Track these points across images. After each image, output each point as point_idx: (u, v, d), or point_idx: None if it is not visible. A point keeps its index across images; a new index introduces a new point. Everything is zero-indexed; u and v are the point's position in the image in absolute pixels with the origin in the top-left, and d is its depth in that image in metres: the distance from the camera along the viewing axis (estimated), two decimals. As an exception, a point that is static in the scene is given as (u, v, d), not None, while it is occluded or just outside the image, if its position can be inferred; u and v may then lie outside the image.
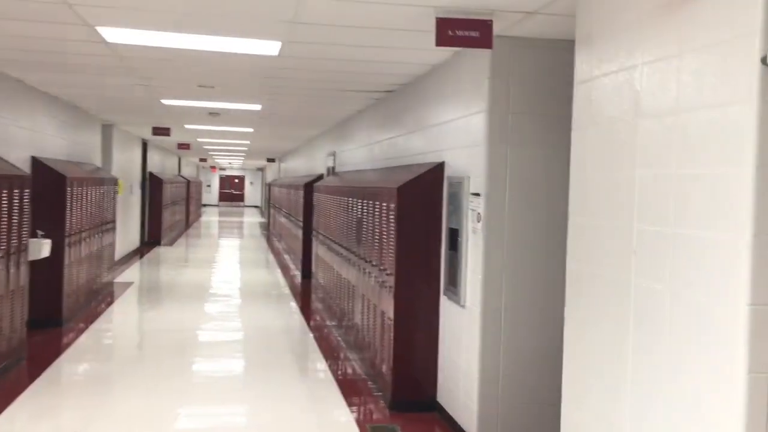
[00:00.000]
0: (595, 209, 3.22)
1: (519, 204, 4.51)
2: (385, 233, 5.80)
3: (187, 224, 25.91)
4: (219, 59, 5.61)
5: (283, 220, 17.65)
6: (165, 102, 8.77)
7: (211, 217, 33.88)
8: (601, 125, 3.20)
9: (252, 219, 33.51)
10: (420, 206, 5.39)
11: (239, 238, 23.98)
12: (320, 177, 12.56)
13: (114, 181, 11.37)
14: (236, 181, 46.15)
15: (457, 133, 5.12)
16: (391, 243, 5.54)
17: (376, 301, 6.12)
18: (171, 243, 19.15)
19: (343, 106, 8.69)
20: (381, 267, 5.92)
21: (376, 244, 6.14)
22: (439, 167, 5.39)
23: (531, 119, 4.52)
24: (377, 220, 6.11)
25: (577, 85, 3.46)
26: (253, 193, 45.66)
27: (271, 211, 23.10)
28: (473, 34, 3.90)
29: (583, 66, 3.41)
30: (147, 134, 14.12)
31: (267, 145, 18.16)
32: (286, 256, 15.92)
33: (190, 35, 4.85)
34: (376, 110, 8.28)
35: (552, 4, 3.74)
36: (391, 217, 5.56)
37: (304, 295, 11.04)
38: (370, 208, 6.43)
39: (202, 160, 31.10)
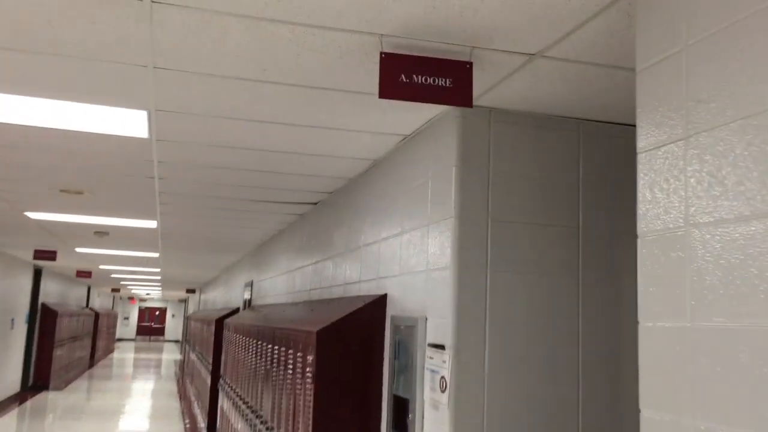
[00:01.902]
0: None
1: (508, 364, 2.84)
2: (300, 396, 3.98)
3: (92, 363, 23.09)
4: (74, 142, 3.93)
5: (195, 360, 15.41)
6: (31, 216, 6.94)
7: (125, 354, 30.83)
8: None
9: (171, 356, 30.61)
10: (349, 360, 3.64)
11: (151, 380, 21.30)
12: (236, 311, 10.70)
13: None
14: (157, 313, 43.11)
15: (407, 252, 3.48)
16: (307, 413, 3.72)
17: (284, 497, 4.19)
18: (64, 386, 16.48)
19: (258, 223, 7.02)
20: (292, 447, 4.06)
21: (288, 412, 4.29)
22: (379, 302, 3.70)
23: (525, 230, 2.94)
24: (290, 376, 4.30)
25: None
26: (175, 326, 42.62)
27: (187, 348, 20.71)
28: (442, 81, 2.35)
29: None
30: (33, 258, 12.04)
31: (181, 274, 16.18)
32: (195, 406, 13.60)
33: (25, 99, 3.17)
34: (298, 229, 6.64)
35: (589, 27, 2.24)
36: (308, 374, 3.77)
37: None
38: (282, 358, 4.63)
39: (115, 290, 28.57)
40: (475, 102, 2.91)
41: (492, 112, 2.99)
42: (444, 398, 2.83)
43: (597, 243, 3.00)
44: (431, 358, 3.00)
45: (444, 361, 2.85)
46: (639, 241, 1.86)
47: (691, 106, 1.72)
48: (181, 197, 5.57)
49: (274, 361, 4.90)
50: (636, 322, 2.76)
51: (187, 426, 12.56)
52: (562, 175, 3.01)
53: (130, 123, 3.52)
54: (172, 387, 18.33)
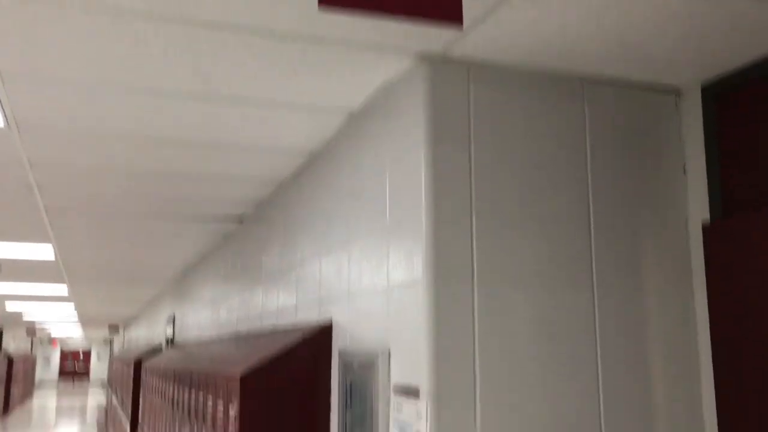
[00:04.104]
0: None
1: (510, 413, 2.02)
2: (221, 460, 3.06)
3: (6, 412, 21.18)
4: None
5: (117, 406, 14.07)
6: None
7: (45, 401, 28.64)
8: None
9: (96, 401, 28.58)
10: (285, 411, 2.75)
11: (73, 428, 19.59)
12: (159, 350, 9.59)
13: None
14: (80, 355, 40.69)
15: (358, 268, 2.64)
16: (231, 484, 2.81)
17: None
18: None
19: (175, 247, 6.06)
20: None
21: (208, 477, 3.36)
22: (322, 333, 2.84)
23: (522, 228, 2.15)
24: (209, 425, 3.38)
25: None
26: (101, 368, 40.27)
27: (110, 393, 19.18)
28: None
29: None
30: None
31: (99, 310, 14.86)
32: (116, 456, 12.27)
33: None
34: (222, 253, 5.71)
35: None
36: (230, 424, 2.86)
37: None
38: (201, 409, 3.70)
39: (30, 332, 26.58)
40: (450, 52, 2.13)
41: (471, 70, 2.20)
42: (421, 466, 1.98)
43: (615, 241, 2.23)
44: (400, 407, 2.16)
45: (419, 414, 2.01)
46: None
47: None
48: (73, 214, 4.59)
49: (192, 411, 3.95)
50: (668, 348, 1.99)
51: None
52: (565, 149, 2.24)
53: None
54: (94, 436, 16.83)
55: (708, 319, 2.19)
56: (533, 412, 2.04)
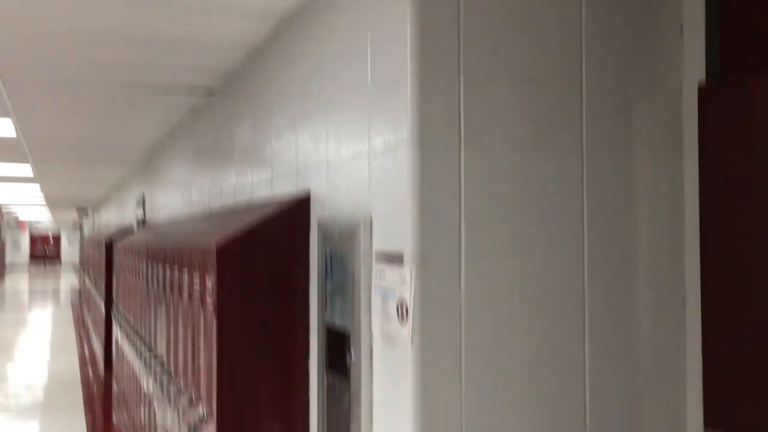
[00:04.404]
0: None
1: (494, 278, 1.98)
2: (199, 332, 3.05)
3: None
4: None
5: (90, 287, 14.15)
6: None
7: (17, 284, 28.74)
8: None
9: (69, 283, 28.76)
10: (263, 282, 2.70)
11: (47, 308, 19.81)
12: (130, 231, 9.52)
13: None
14: (50, 239, 40.62)
15: (337, 134, 2.53)
16: (210, 354, 2.80)
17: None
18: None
19: (142, 121, 5.85)
20: (192, 393, 3.16)
21: (186, 349, 3.37)
22: (301, 204, 2.76)
23: (511, 90, 2.03)
24: (187, 306, 3.35)
25: None
26: (72, 252, 40.32)
27: (83, 274, 19.28)
28: None
29: None
30: None
31: (67, 191, 14.65)
32: (93, 335, 12.47)
33: None
34: (192, 129, 5.52)
35: None
36: (209, 303, 2.83)
37: (100, 404, 7.91)
38: (176, 283, 3.66)
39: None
40: None
41: None
42: (404, 331, 1.96)
43: (606, 102, 2.14)
44: (382, 274, 2.11)
45: (403, 279, 1.97)
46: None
47: None
48: (32, 85, 4.35)
49: (168, 287, 3.92)
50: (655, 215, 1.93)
51: (85, 355, 11.48)
52: (558, 4, 2.10)
53: None
54: (71, 315, 17.05)
55: (698, 186, 2.14)
56: (519, 275, 2.01)
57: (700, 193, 2.14)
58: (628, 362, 2.12)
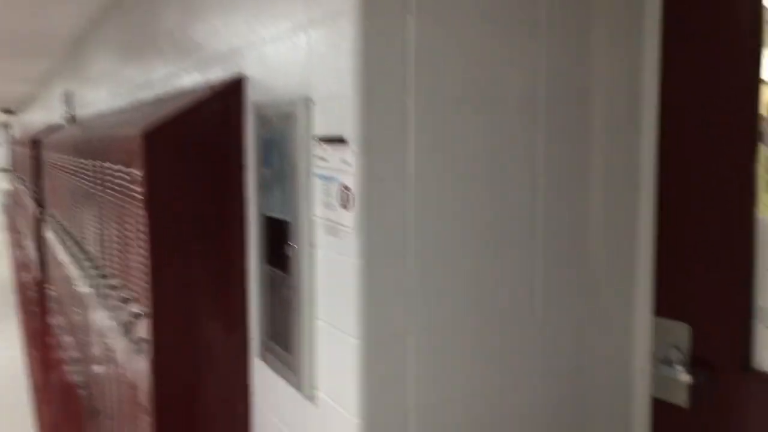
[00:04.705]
0: None
1: (444, 162, 1.85)
2: (129, 227, 2.86)
3: None
4: None
5: (20, 188, 13.59)
6: None
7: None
8: None
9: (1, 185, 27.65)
10: (195, 172, 2.51)
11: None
12: (58, 129, 9.05)
13: None
14: (-23, 141, 38.75)
15: (270, 10, 2.30)
16: (140, 247, 2.63)
17: (123, 359, 3.19)
18: None
19: (58, 8, 5.38)
20: (126, 292, 3.01)
21: (118, 246, 3.19)
22: (233, 88, 2.54)
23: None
24: (115, 200, 3.14)
25: None
26: (2, 155, 38.69)
27: (13, 176, 18.51)
28: None
29: None
30: None
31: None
32: (26, 239, 12.06)
33: None
34: (117, 17, 5.11)
35: None
36: (137, 195, 2.63)
37: (35, 308, 7.68)
38: (104, 177, 3.43)
39: None
40: None
41: None
42: (348, 218, 1.83)
43: (567, -26, 1.97)
44: (322, 159, 1.96)
45: (346, 161, 1.82)
46: None
47: None
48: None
49: (95, 182, 3.68)
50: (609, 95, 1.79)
51: (18, 258, 11.13)
52: None
53: None
54: (3, 219, 16.46)
55: (657, 62, 2.03)
56: (472, 153, 1.88)
57: (659, 68, 2.02)
58: (579, 244, 2.05)
